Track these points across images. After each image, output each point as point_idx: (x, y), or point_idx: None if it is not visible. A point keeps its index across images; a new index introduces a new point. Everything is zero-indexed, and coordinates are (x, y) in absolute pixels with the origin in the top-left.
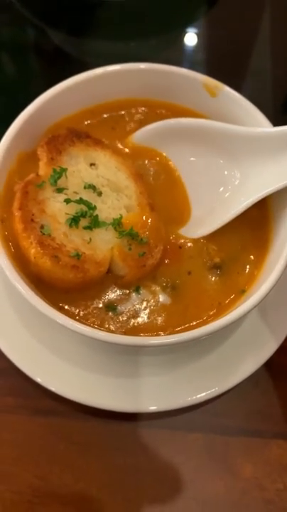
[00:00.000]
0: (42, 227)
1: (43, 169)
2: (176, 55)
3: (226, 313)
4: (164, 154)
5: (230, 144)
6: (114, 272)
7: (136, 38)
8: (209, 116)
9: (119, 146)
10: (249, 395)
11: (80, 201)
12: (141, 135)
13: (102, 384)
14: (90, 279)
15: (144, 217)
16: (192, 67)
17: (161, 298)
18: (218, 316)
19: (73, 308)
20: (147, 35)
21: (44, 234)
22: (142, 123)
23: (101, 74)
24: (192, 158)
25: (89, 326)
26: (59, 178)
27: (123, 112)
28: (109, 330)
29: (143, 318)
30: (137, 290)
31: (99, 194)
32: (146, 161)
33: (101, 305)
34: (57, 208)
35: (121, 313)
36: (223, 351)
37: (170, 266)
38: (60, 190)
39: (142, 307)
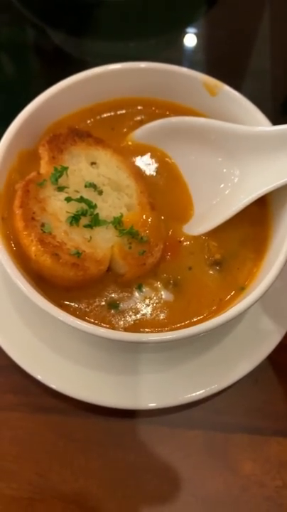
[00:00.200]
0: (43, 225)
1: (44, 168)
2: (176, 55)
3: (226, 310)
4: (165, 152)
5: (230, 143)
6: (114, 270)
7: (136, 38)
8: (208, 115)
9: (120, 144)
10: (249, 391)
11: (81, 200)
12: (141, 133)
13: (102, 381)
14: (90, 277)
15: (144, 216)
16: (191, 67)
17: (163, 295)
18: (218, 313)
19: (74, 306)
20: (147, 35)
21: (45, 232)
22: (142, 122)
23: (101, 73)
24: (192, 156)
25: (90, 323)
26: (60, 176)
27: (123, 112)
28: (110, 327)
29: (144, 315)
30: (139, 287)
31: (100, 193)
32: (147, 159)
33: (103, 303)
34: (57, 207)
35: (123, 310)
36: (222, 348)
37: (171, 262)
38: (61, 189)
39: (144, 304)
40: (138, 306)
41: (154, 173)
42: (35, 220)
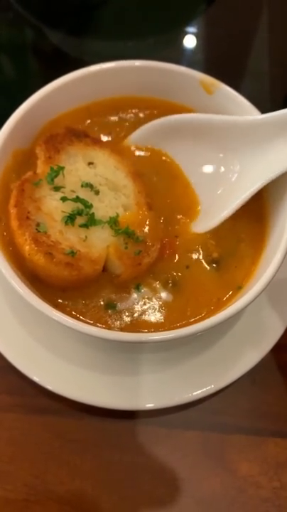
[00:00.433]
0: (38, 224)
1: (41, 167)
2: (174, 55)
3: (223, 309)
4: (164, 151)
5: (228, 135)
6: (110, 271)
7: (134, 37)
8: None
9: (118, 147)
10: (246, 392)
11: (77, 199)
12: (139, 135)
13: (99, 382)
14: (85, 277)
15: (141, 216)
16: (190, 66)
17: (161, 294)
18: (216, 312)
19: (71, 306)
20: (145, 35)
21: (40, 231)
22: (140, 123)
23: (96, 71)
24: (192, 153)
25: (87, 323)
26: (56, 176)
27: (120, 114)
28: (107, 327)
29: (142, 315)
30: (137, 287)
31: (97, 193)
32: (147, 160)
33: (100, 303)
34: (53, 206)
35: (120, 310)
36: (219, 348)
37: (169, 262)
38: (57, 189)
39: (141, 304)
40: (136, 306)
41: (155, 174)
42: (29, 219)
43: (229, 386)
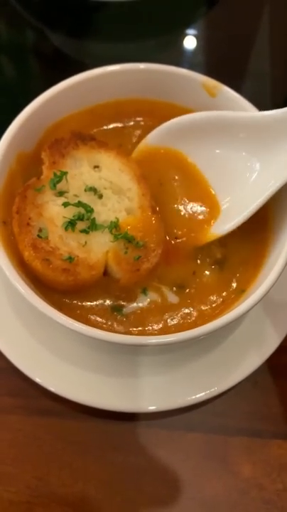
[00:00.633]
0: (40, 230)
1: (45, 173)
2: (175, 57)
3: (226, 313)
4: (180, 152)
5: (248, 132)
6: (111, 275)
7: (135, 39)
8: None
9: (123, 149)
10: (249, 394)
11: (78, 204)
12: (155, 135)
13: (101, 384)
14: (82, 282)
15: (143, 219)
16: (191, 68)
17: (165, 298)
18: (219, 315)
19: (75, 309)
20: (146, 37)
21: (41, 237)
22: (143, 126)
23: (100, 74)
24: (209, 153)
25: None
26: (58, 181)
27: (123, 118)
28: (111, 330)
29: (146, 317)
30: (143, 291)
31: (100, 196)
32: (164, 161)
33: (105, 306)
34: (55, 212)
35: (124, 313)
36: (222, 351)
37: (173, 266)
38: (60, 194)
39: (146, 307)
40: (141, 309)
41: (171, 174)
42: (30, 225)
43: (231, 388)
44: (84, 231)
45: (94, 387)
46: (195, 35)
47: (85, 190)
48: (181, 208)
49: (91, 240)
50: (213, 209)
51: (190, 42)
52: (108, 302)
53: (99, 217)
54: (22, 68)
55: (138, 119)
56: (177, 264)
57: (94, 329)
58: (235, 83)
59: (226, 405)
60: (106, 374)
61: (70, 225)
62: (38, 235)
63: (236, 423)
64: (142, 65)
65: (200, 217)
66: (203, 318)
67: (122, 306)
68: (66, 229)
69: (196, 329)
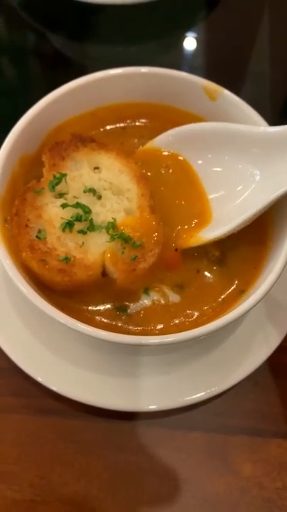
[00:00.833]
0: (39, 231)
1: (45, 175)
2: (176, 59)
3: (226, 313)
4: (182, 158)
5: (249, 145)
6: (109, 275)
7: (136, 42)
8: (208, 120)
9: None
10: (249, 394)
11: (77, 205)
12: (162, 139)
13: (103, 383)
14: (79, 283)
15: (141, 220)
16: (191, 71)
17: (167, 298)
18: (219, 316)
19: (77, 309)
20: (147, 40)
21: (40, 238)
22: (144, 129)
23: (102, 77)
24: (211, 162)
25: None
26: (58, 183)
27: (126, 123)
28: (113, 330)
29: (148, 317)
30: (145, 291)
31: (99, 197)
32: (166, 165)
33: (106, 306)
34: (54, 213)
35: (126, 313)
36: (222, 350)
37: (174, 267)
38: (59, 196)
39: (147, 307)
40: (142, 309)
41: (171, 179)
42: (28, 227)
43: (232, 388)
44: (82, 232)
45: (95, 387)
46: (195, 38)
47: (84, 192)
48: (175, 209)
49: (88, 240)
50: (205, 215)
51: (190, 44)
52: (109, 303)
53: (98, 218)
54: (23, 71)
55: (140, 121)
56: (177, 265)
57: (96, 329)
58: (235, 85)
59: (226, 405)
60: (108, 373)
61: (68, 225)
62: (37, 236)
63: (236, 422)
64: (144, 69)
65: (192, 221)
66: (204, 318)
67: (123, 306)
68: (63, 230)
69: (197, 329)
